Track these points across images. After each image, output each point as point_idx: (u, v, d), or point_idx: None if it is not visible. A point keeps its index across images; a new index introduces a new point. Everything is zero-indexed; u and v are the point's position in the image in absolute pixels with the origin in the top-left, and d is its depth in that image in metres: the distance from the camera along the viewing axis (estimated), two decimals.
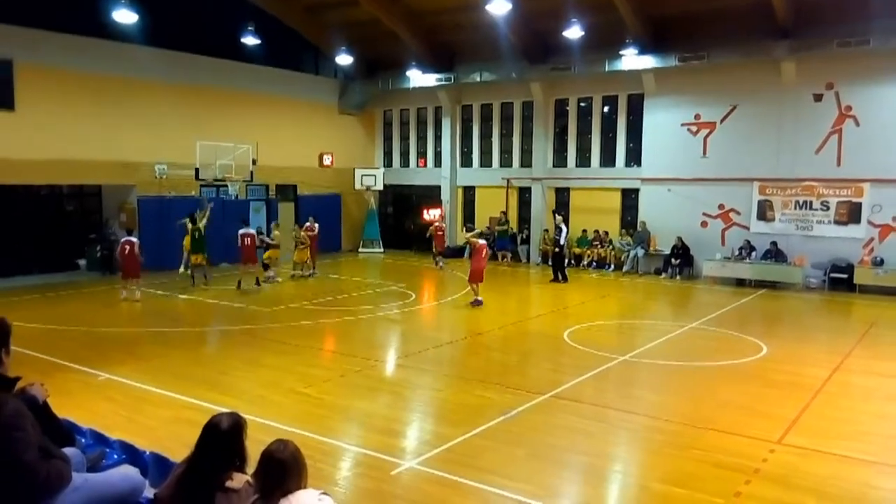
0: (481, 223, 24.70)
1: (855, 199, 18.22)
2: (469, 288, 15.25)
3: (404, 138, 27.14)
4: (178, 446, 3.89)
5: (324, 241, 24.11)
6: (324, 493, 3.15)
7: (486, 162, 25.11)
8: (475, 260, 14.99)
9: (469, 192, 25.64)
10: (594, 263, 21.73)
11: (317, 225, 19.65)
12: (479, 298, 14.72)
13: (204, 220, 16.87)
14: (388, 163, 27.29)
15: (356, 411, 8.06)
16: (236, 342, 11.42)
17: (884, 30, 16.72)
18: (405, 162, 27.15)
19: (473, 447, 6.76)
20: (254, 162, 20.75)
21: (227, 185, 20.73)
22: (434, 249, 21.08)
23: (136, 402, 8.04)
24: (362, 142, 27.10)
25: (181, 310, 14.19)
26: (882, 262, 17.54)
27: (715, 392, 8.81)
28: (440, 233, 21.09)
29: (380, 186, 25.63)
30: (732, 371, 9.92)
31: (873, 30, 16.85)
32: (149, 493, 3.75)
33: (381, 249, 25.41)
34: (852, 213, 18.27)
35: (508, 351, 11.38)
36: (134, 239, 15.03)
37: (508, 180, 24.04)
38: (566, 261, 19.71)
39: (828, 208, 18.57)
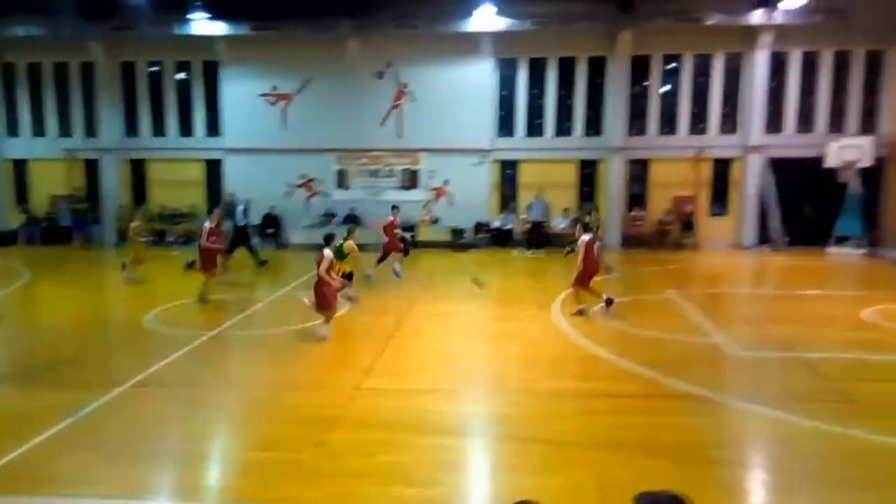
0: (40, 203, 21.37)
1: (414, 167, 20.93)
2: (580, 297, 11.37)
3: None
4: None
5: None
6: None
7: (39, 131, 21.61)
8: (585, 259, 11.23)
9: (19, 165, 21.83)
10: (182, 240, 20.70)
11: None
12: (608, 297, 11.24)
13: None
14: None
15: None
16: None
17: (430, 15, 19.29)
18: None
19: (38, 458, 5.81)
20: None
21: None
22: (385, 252, 15.12)
23: None
24: None
25: None
26: (437, 220, 20.58)
27: (299, 353, 9.19)
28: (396, 231, 15.17)
29: None
30: (313, 331, 10.47)
31: (422, 14, 19.31)
32: None
33: None
34: (413, 179, 20.97)
35: (79, 344, 10.03)
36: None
37: (73, 152, 21.17)
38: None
39: (394, 175, 20.97)
